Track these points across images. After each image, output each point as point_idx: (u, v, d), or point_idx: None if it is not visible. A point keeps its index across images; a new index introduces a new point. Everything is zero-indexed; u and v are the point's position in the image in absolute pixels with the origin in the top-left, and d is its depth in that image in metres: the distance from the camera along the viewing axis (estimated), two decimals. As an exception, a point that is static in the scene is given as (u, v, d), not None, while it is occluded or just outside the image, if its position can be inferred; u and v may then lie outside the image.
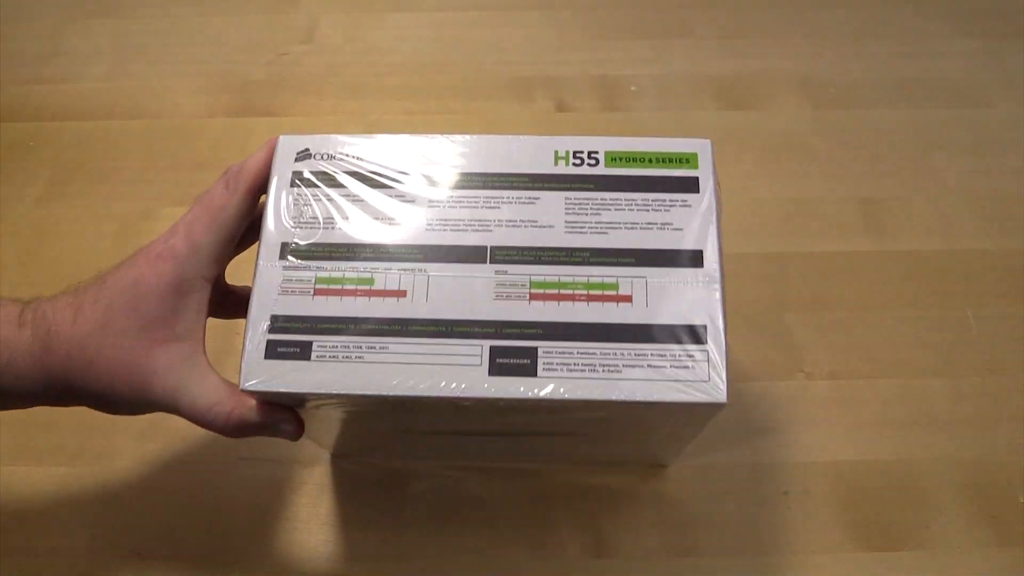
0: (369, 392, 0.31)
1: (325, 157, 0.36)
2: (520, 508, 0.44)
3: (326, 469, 0.45)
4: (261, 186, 0.34)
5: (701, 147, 0.35)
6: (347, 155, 0.36)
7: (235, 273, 0.37)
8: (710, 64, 0.62)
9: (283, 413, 0.34)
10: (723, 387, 0.31)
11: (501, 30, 0.65)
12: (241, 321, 0.34)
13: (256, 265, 0.33)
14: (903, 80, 0.61)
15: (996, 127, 0.59)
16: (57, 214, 0.55)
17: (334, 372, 0.32)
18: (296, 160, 0.35)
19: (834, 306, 0.51)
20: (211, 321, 0.34)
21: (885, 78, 0.61)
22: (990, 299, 0.51)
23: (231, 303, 0.37)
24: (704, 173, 0.34)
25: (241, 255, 0.36)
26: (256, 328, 0.32)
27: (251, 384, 0.31)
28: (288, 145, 0.36)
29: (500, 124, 0.59)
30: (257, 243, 0.34)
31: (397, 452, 0.47)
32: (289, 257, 0.33)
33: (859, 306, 0.51)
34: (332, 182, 0.35)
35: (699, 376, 0.31)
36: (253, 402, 0.32)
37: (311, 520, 0.44)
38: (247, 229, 0.35)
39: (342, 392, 0.31)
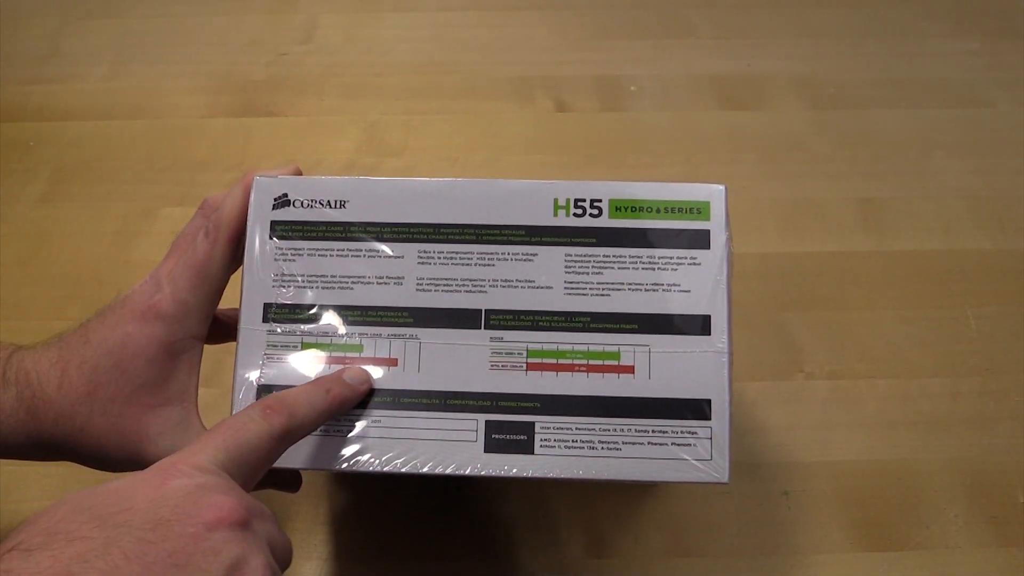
0: (359, 470, 0.31)
1: (304, 204, 0.33)
2: (520, 508, 0.44)
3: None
4: (241, 231, 0.33)
5: (714, 195, 0.32)
6: (328, 201, 0.33)
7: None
8: (710, 64, 0.62)
9: (279, 474, 0.33)
10: (725, 466, 0.30)
11: (501, 30, 0.65)
12: (230, 345, 0.33)
13: (239, 327, 0.32)
14: (903, 80, 0.61)
15: (996, 127, 0.59)
16: (57, 214, 0.55)
17: (324, 447, 0.31)
18: (274, 207, 0.33)
19: (834, 306, 0.51)
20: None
21: (885, 78, 0.61)
22: (990, 299, 0.51)
23: (219, 329, 0.36)
24: (716, 226, 0.32)
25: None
26: (243, 400, 0.32)
27: None
28: (265, 188, 0.33)
29: (500, 124, 0.59)
30: (238, 301, 0.33)
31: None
32: (272, 320, 0.32)
33: (859, 306, 0.51)
34: (313, 234, 0.33)
35: (700, 455, 0.30)
36: None
37: (311, 520, 0.44)
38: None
39: (333, 469, 0.31)
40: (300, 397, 0.29)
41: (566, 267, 0.32)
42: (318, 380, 0.31)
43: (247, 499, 0.25)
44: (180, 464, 0.24)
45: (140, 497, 0.23)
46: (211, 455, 0.25)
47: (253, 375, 0.32)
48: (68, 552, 0.21)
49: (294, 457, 0.31)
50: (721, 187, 0.32)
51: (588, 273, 0.32)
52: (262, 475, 0.28)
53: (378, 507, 0.44)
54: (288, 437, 0.28)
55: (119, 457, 0.31)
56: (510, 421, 0.31)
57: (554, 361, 0.31)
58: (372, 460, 0.31)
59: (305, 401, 0.29)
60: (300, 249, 0.33)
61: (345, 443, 0.31)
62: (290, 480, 0.35)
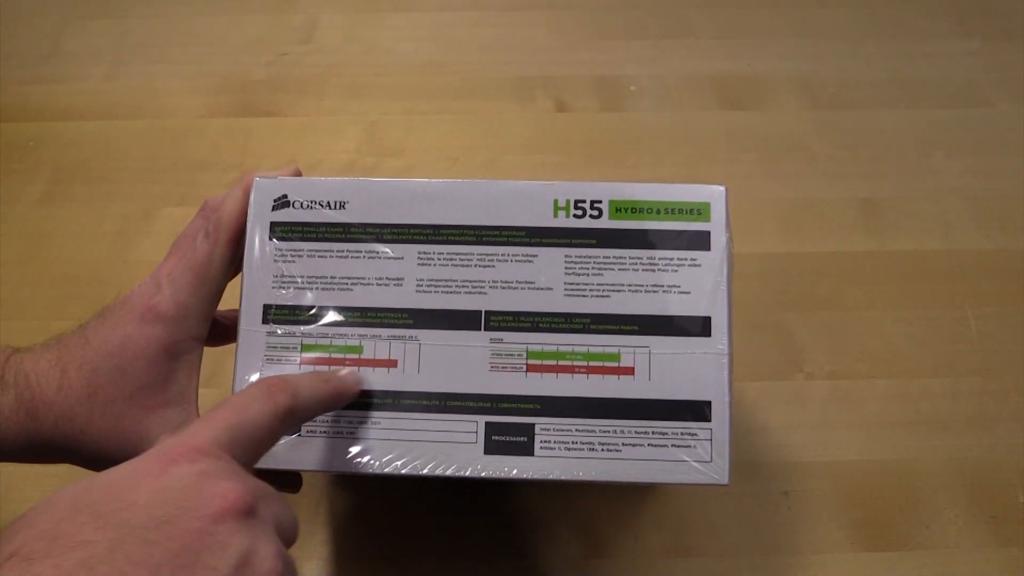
0: (359, 471, 0.31)
1: (304, 205, 0.33)
2: (520, 509, 0.44)
3: (326, 469, 0.46)
4: (241, 232, 0.33)
5: (714, 196, 0.32)
6: (328, 202, 0.33)
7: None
8: (710, 64, 0.62)
9: (279, 475, 0.33)
10: (725, 468, 0.30)
11: (501, 30, 0.65)
12: (230, 346, 0.33)
13: (238, 329, 0.32)
14: (903, 80, 0.61)
15: (996, 127, 0.59)
16: (57, 214, 0.55)
17: (324, 449, 0.31)
18: (274, 208, 0.33)
19: (834, 306, 0.51)
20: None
21: (885, 78, 0.61)
22: (990, 299, 0.51)
23: (219, 331, 0.36)
24: (716, 227, 0.32)
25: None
26: None
27: None
28: (264, 190, 0.33)
29: (500, 124, 0.59)
30: (238, 302, 0.33)
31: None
32: (272, 321, 0.32)
33: (859, 306, 0.51)
34: (313, 235, 0.33)
35: (700, 456, 0.30)
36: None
37: (311, 520, 0.44)
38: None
39: (333, 471, 0.31)
40: (302, 381, 0.29)
41: (566, 268, 0.32)
42: (316, 372, 0.31)
43: (251, 482, 0.24)
44: (180, 447, 0.24)
45: (141, 491, 0.22)
46: (213, 434, 0.25)
47: (253, 376, 0.32)
48: (71, 559, 0.20)
49: (294, 459, 0.31)
50: (721, 188, 0.32)
51: (588, 274, 0.32)
52: (263, 455, 0.27)
53: (378, 508, 0.44)
54: (290, 417, 0.27)
55: (119, 459, 0.30)
56: (510, 423, 0.31)
57: (554, 362, 0.31)
58: (372, 462, 0.31)
59: (307, 385, 0.29)
60: (300, 250, 0.32)
61: (345, 445, 0.31)
62: (290, 481, 0.35)
